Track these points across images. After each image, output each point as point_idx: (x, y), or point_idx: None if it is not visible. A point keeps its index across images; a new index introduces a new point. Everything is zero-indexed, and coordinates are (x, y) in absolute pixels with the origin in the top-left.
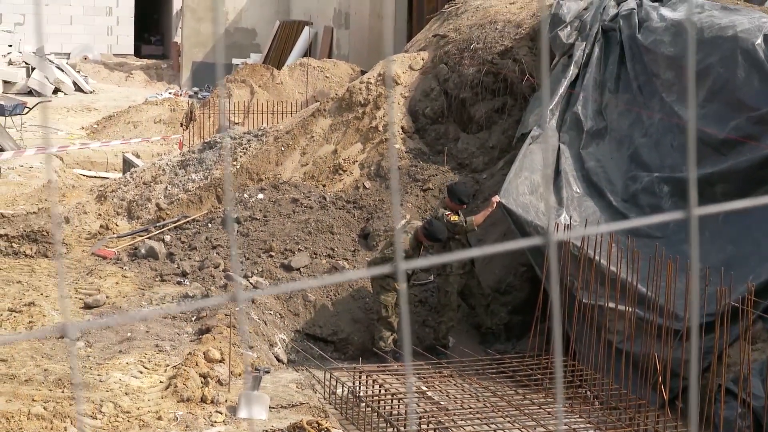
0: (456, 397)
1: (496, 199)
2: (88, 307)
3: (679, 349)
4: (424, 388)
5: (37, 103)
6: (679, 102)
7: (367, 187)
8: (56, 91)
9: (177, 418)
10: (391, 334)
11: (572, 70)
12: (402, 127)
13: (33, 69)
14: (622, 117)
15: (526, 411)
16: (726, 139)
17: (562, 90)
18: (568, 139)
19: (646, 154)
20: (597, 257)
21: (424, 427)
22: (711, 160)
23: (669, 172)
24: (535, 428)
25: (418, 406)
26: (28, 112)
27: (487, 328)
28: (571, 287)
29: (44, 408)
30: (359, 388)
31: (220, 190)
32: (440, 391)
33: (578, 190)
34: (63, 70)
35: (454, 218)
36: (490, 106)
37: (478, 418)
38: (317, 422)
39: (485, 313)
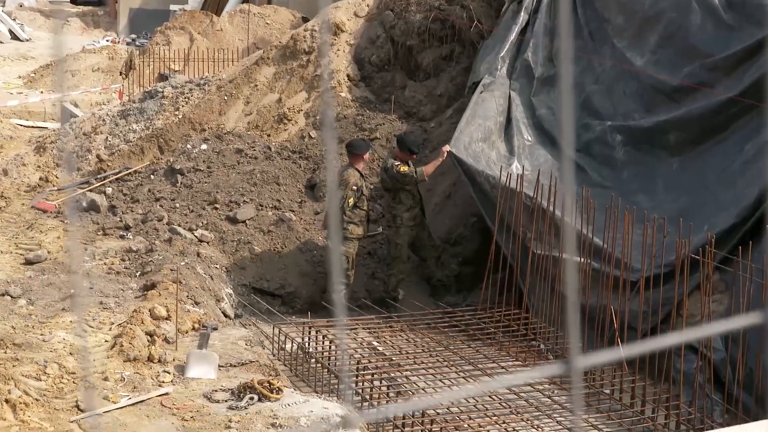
0: (408, 352)
1: (446, 148)
2: (29, 262)
3: (634, 301)
4: (375, 343)
5: None
6: (630, 48)
7: (313, 136)
8: None
9: (124, 379)
10: (346, 288)
11: (522, 16)
12: (347, 75)
13: None
14: (573, 63)
15: (480, 366)
16: (679, 86)
17: (512, 37)
18: (518, 87)
19: (597, 101)
20: (551, 207)
21: (376, 383)
22: (664, 108)
23: (622, 120)
24: (488, 383)
25: (369, 362)
26: None
27: (438, 280)
28: (524, 238)
29: None
30: (308, 344)
31: (162, 140)
32: (391, 345)
33: (530, 139)
34: None
35: (403, 169)
36: (437, 53)
37: (431, 374)
38: (268, 381)
39: (436, 265)
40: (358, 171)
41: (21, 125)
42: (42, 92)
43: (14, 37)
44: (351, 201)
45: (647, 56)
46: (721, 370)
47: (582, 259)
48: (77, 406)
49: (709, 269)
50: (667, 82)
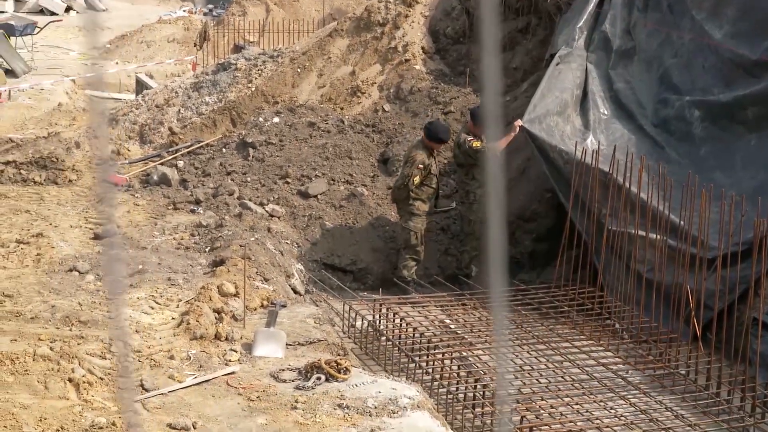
0: (480, 330)
1: (518, 123)
2: (98, 237)
3: (710, 280)
4: (447, 321)
5: (48, 23)
6: (709, 20)
7: (387, 110)
8: (68, 9)
9: (190, 358)
10: (416, 264)
11: None
12: (422, 48)
13: None
14: (650, 37)
15: (553, 345)
16: (759, 60)
17: (590, 8)
18: (595, 59)
19: (676, 75)
20: (627, 184)
21: (446, 362)
22: (743, 83)
23: (700, 95)
24: (561, 363)
25: (440, 340)
26: (39, 32)
27: (511, 257)
28: (599, 215)
29: (50, 348)
30: (379, 321)
31: (234, 113)
32: (463, 323)
33: (606, 113)
34: None
35: (476, 144)
36: (513, 25)
37: (503, 353)
38: (336, 361)
39: (509, 241)
40: (429, 150)
41: (95, 96)
42: (117, 63)
43: (90, 6)
44: (417, 180)
45: (726, 29)
46: None
47: (657, 236)
48: (142, 386)
49: None
50: (746, 56)
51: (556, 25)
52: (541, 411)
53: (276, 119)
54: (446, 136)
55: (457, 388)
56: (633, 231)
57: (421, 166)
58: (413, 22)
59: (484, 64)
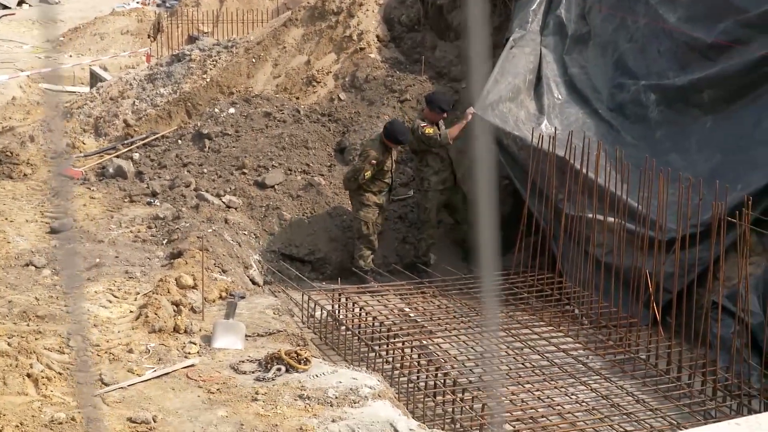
0: (439, 318)
1: (471, 110)
2: (54, 231)
3: (669, 263)
4: (407, 309)
5: (1, 17)
6: (664, 4)
7: (342, 99)
8: (20, 2)
9: (149, 351)
10: (371, 253)
11: None
12: (377, 36)
13: None
14: (605, 22)
15: (513, 332)
16: (714, 43)
17: None
18: (550, 44)
19: (631, 60)
20: (584, 169)
21: (407, 350)
22: (698, 66)
23: (656, 80)
24: (522, 350)
25: (400, 328)
26: None
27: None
28: (556, 200)
29: (8, 344)
30: (338, 311)
31: (189, 104)
32: (422, 311)
33: (560, 97)
34: None
35: (429, 131)
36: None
37: (463, 341)
38: (296, 352)
39: (470, 229)
40: (385, 147)
41: (50, 90)
42: (71, 56)
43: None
44: (368, 174)
45: (680, 13)
46: (758, 334)
47: (615, 220)
48: (101, 380)
49: (746, 231)
50: (701, 39)
51: (512, 11)
52: (502, 398)
53: (231, 110)
54: (404, 138)
55: (418, 377)
56: (590, 215)
57: (374, 162)
58: (368, 10)
59: (471, 51)
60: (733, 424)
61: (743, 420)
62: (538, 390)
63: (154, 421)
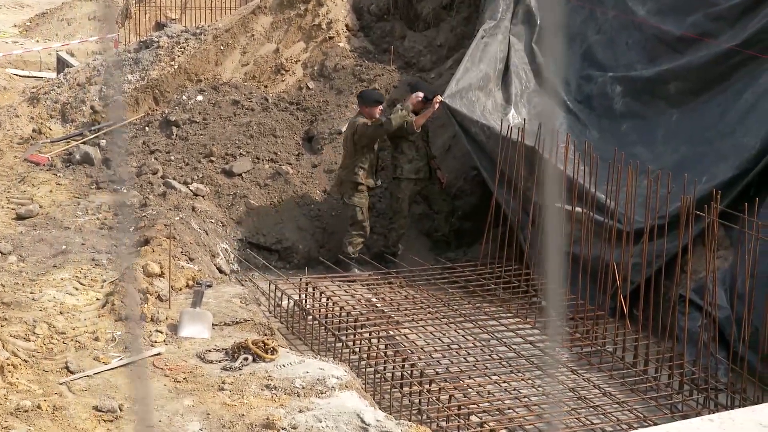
0: (406, 309)
1: (438, 98)
2: (20, 218)
3: (637, 256)
4: (374, 300)
5: None
6: None
7: (311, 87)
8: None
9: (115, 339)
10: (363, 240)
11: None
12: (346, 25)
13: None
14: (574, 12)
15: (480, 323)
16: (683, 36)
17: None
18: (519, 33)
19: (599, 52)
20: (552, 159)
21: (373, 341)
22: (666, 58)
23: (623, 71)
24: (488, 341)
25: (367, 319)
26: None
27: (442, 234)
28: (524, 190)
29: None
30: (305, 301)
31: (157, 91)
32: (389, 301)
33: (528, 85)
34: None
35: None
36: (437, 2)
37: (430, 332)
38: (263, 341)
39: (446, 219)
40: (368, 118)
41: (16, 75)
42: (38, 41)
43: None
44: (398, 119)
45: (649, 5)
46: (726, 328)
47: (583, 211)
48: (67, 368)
49: (714, 225)
50: (670, 32)
51: (481, 2)
52: (469, 389)
53: (199, 97)
54: (380, 96)
55: (385, 368)
56: (558, 206)
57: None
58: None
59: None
60: (706, 420)
61: (716, 416)
62: (504, 382)
63: (120, 410)
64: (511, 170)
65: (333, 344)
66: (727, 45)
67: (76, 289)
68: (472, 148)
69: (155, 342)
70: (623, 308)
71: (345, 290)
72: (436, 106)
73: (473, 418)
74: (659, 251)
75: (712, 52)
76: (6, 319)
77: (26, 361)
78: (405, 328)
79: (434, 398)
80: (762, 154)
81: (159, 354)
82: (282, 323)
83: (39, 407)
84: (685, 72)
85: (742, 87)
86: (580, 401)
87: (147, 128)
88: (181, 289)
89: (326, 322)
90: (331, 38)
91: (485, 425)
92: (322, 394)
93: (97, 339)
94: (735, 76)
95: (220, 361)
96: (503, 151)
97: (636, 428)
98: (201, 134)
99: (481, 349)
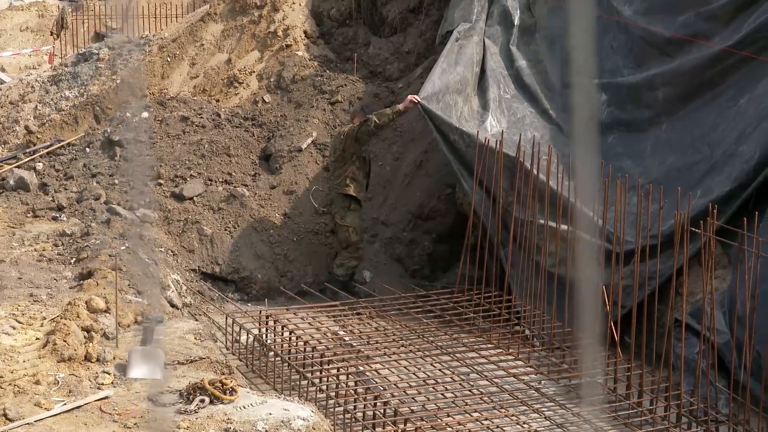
0: (377, 341)
1: (413, 98)
2: None
3: (628, 278)
4: (341, 333)
5: None
6: None
7: (267, 101)
8: None
9: (58, 382)
10: (356, 264)
11: None
12: (305, 32)
13: None
14: (553, 13)
15: (459, 355)
16: (672, 38)
17: None
18: (495, 34)
19: None
20: (534, 170)
21: (342, 378)
22: (655, 62)
23: (608, 77)
24: (468, 375)
25: (334, 354)
26: None
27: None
28: (506, 203)
29: None
30: (266, 335)
31: (98, 108)
32: (358, 334)
33: (507, 92)
34: None
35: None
36: (404, 5)
37: (404, 366)
38: (220, 381)
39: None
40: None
41: None
42: None
43: None
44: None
45: (636, 5)
46: (725, 354)
47: (569, 228)
48: (5, 415)
49: (710, 242)
50: (658, 33)
51: (449, 4)
52: (448, 428)
53: (145, 114)
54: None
55: (355, 407)
56: (542, 222)
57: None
58: (294, 3)
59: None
60: None
61: None
62: (486, 419)
63: None
64: (491, 181)
65: (298, 382)
66: (720, 46)
67: (14, 328)
68: (451, 158)
69: (102, 384)
70: (614, 335)
71: (309, 323)
72: (410, 106)
73: None
74: (652, 273)
75: (704, 55)
76: None
77: None
78: (376, 362)
79: None
80: (762, 166)
81: (107, 397)
82: (241, 360)
83: None
84: (674, 77)
85: (737, 92)
86: None
87: (87, 149)
88: (128, 326)
89: (290, 358)
90: (288, 46)
91: None
92: None
93: (37, 382)
94: (729, 80)
95: (174, 404)
96: (482, 160)
97: None
98: (147, 155)
99: (460, 384)
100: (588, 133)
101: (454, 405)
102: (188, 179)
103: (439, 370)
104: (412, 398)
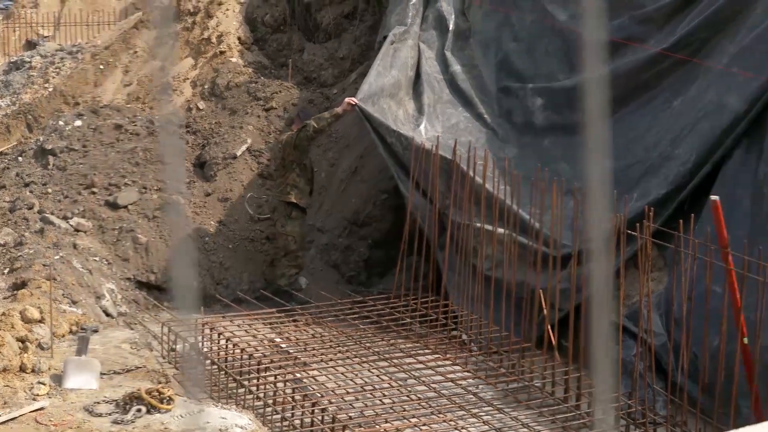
0: (314, 348)
1: (351, 100)
2: None
3: (565, 282)
4: (277, 340)
5: None
6: (553, 1)
7: (201, 108)
8: None
9: None
10: (297, 272)
11: None
12: (239, 38)
13: None
14: (488, 17)
15: (396, 361)
16: (607, 41)
17: None
18: (429, 39)
19: (517, 61)
20: (471, 173)
21: (279, 385)
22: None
23: (544, 82)
24: (406, 381)
25: (271, 361)
26: None
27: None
28: (443, 207)
29: None
30: (203, 343)
31: (30, 117)
32: (294, 341)
33: (441, 96)
34: None
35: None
36: (338, 11)
37: (341, 373)
38: (157, 390)
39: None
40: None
41: None
42: None
43: None
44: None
45: (571, 10)
46: (662, 356)
47: (505, 232)
48: None
49: (647, 245)
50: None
51: (388, 5)
52: None
53: (78, 122)
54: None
55: (293, 414)
56: (478, 225)
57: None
58: (228, 9)
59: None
60: None
61: None
62: (425, 425)
63: None
64: (428, 184)
65: (235, 390)
66: (655, 49)
67: None
68: (389, 161)
69: (37, 395)
70: (551, 339)
71: (246, 331)
72: (348, 108)
73: None
74: (589, 276)
75: (639, 58)
76: None
77: None
78: (313, 369)
79: None
80: (697, 168)
81: (42, 408)
82: (178, 369)
83: None
84: (609, 80)
85: (671, 95)
86: None
87: (20, 158)
88: (63, 336)
89: (227, 366)
90: (222, 53)
91: None
92: None
93: None
94: (664, 83)
95: (110, 414)
96: (418, 163)
97: None
98: (81, 163)
99: (398, 390)
100: (598, 133)
101: (392, 411)
102: (122, 187)
103: (377, 376)
104: (350, 405)
